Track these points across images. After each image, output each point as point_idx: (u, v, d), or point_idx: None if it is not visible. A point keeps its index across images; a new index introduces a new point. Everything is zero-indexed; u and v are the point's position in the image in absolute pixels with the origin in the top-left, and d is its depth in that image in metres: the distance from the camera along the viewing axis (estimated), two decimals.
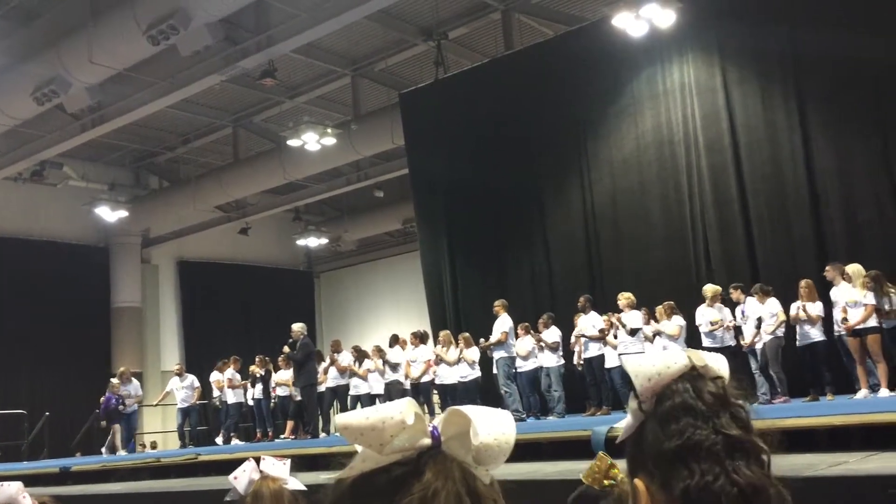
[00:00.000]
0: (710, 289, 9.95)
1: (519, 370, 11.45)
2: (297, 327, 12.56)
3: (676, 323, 10.19)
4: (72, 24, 12.27)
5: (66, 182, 18.93)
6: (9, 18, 12.86)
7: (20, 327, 18.63)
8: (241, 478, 2.02)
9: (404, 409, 0.80)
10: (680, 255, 11.70)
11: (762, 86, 11.21)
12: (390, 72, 16.10)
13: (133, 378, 15.09)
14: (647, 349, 10.11)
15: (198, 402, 15.05)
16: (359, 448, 0.81)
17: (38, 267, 18.98)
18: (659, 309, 10.35)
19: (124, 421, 14.27)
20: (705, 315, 9.76)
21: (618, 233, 12.43)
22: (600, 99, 12.68)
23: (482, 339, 11.72)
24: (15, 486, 1.83)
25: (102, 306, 20.63)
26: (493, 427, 0.82)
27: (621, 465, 1.21)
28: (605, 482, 1.72)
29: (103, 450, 14.14)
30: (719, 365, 1.03)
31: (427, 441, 0.80)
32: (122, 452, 13.68)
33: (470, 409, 0.82)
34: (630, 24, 11.37)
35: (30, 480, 7.31)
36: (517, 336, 11.48)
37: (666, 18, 11.23)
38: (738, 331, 9.91)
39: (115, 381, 14.49)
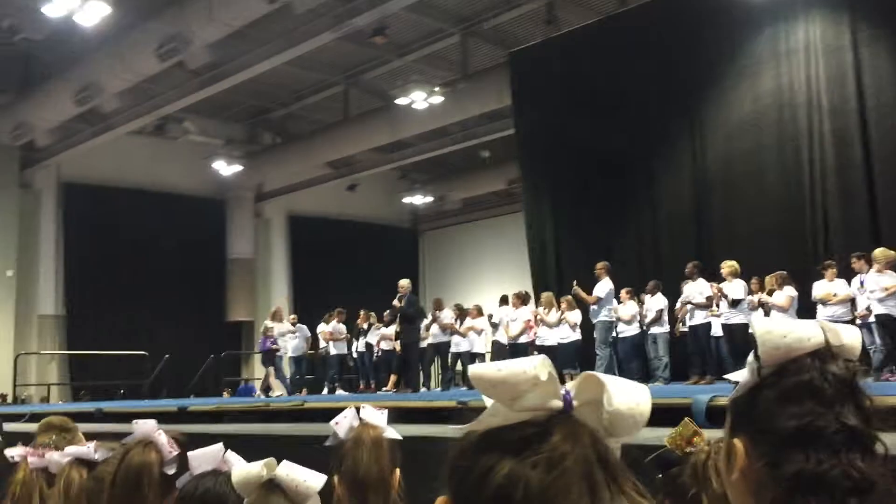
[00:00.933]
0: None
1: (621, 335, 11.33)
2: (405, 283, 12.73)
3: (787, 294, 9.77)
4: None
5: (186, 136, 19.75)
6: None
7: (143, 274, 19.71)
8: (342, 423, 2.12)
9: (538, 365, 0.78)
10: (796, 223, 11.21)
11: None
12: (500, 30, 15.94)
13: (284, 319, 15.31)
14: (752, 319, 9.79)
15: (308, 353, 15.53)
16: (487, 402, 0.80)
17: (160, 217, 19.96)
18: (769, 279, 9.96)
19: (279, 362, 14.69)
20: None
21: (730, 198, 12.01)
22: (717, 58, 12.18)
23: (574, 282, 11.53)
24: (151, 423, 1.98)
25: (218, 257, 21.57)
26: (628, 395, 0.79)
27: (708, 434, 1.19)
28: (687, 448, 1.71)
29: (259, 392, 14.65)
30: (854, 342, 1.00)
31: (559, 403, 0.78)
32: (277, 393, 14.11)
33: (605, 376, 0.80)
34: None
35: (150, 417, 7.80)
36: (619, 300, 11.34)
37: None
38: (853, 303, 9.48)
39: (268, 323, 14.71)
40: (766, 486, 0.96)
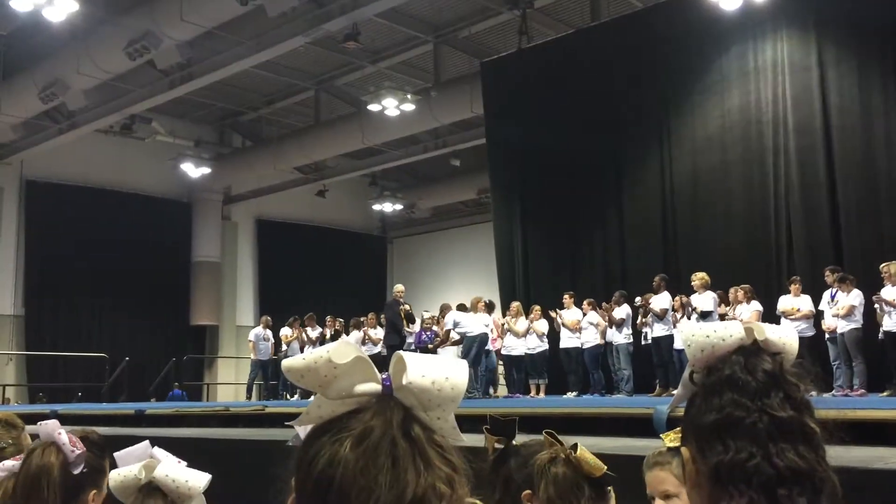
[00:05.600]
0: None
1: (584, 346, 11.42)
2: (401, 288, 13.04)
3: (754, 308, 9.91)
4: None
5: (154, 137, 19.49)
6: None
7: (106, 275, 19.38)
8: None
9: (332, 349, 0.81)
10: (761, 239, 11.36)
11: (860, 65, 10.71)
12: (473, 40, 15.98)
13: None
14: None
15: (273, 357, 15.33)
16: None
17: (125, 218, 19.68)
18: (735, 292, 10.06)
19: None
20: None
21: (696, 212, 12.15)
22: (686, 75, 12.34)
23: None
24: (52, 424, 1.93)
25: (183, 259, 21.31)
26: (430, 370, 0.81)
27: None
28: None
29: None
30: (785, 340, 1.00)
31: (377, 387, 0.81)
32: None
33: (411, 355, 0.82)
34: None
35: (108, 420, 7.66)
36: (584, 313, 11.46)
37: None
38: (819, 317, 9.63)
39: (427, 314, 12.68)
40: (703, 486, 0.96)
